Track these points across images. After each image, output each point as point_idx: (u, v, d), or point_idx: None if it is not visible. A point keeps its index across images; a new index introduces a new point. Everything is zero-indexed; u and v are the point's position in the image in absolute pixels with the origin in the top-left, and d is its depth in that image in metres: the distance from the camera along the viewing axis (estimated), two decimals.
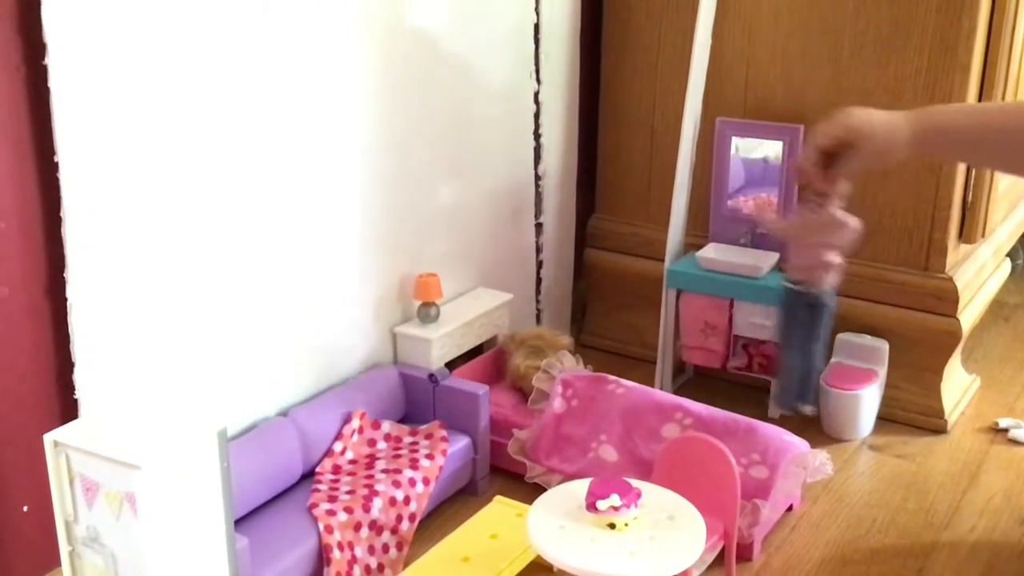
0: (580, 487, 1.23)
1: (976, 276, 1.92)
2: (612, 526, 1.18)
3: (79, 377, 1.23)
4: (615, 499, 1.17)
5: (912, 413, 1.88)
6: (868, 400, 1.83)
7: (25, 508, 1.25)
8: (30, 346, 1.23)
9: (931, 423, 1.87)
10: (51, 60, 1.14)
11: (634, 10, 2.02)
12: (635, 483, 1.22)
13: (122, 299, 1.26)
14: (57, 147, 1.16)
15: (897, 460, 1.78)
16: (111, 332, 1.25)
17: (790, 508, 1.61)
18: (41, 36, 1.13)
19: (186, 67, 1.28)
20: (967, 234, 1.85)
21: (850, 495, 1.68)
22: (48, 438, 1.02)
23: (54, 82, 1.14)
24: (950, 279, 1.81)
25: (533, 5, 1.88)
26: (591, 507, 1.18)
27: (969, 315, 1.87)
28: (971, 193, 1.82)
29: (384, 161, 1.63)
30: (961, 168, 1.79)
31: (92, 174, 1.20)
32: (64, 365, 1.24)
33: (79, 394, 1.23)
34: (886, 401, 1.89)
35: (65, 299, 1.21)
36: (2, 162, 1.16)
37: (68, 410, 1.25)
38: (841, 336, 1.88)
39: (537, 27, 1.90)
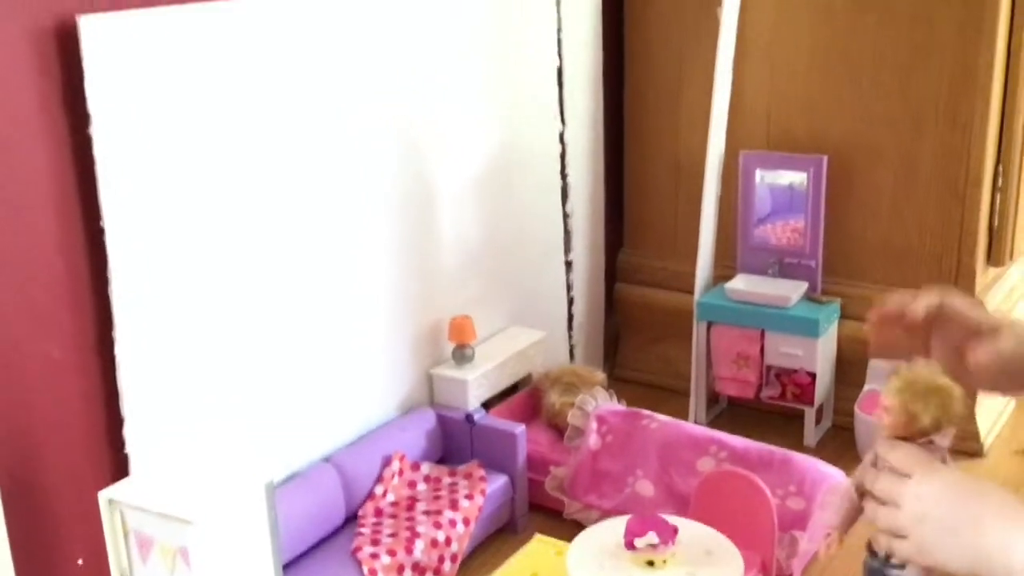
0: (618, 525, 1.24)
1: (1006, 299, 1.92)
2: (651, 563, 1.19)
3: (128, 433, 1.27)
4: (652, 537, 1.18)
5: None
6: None
7: (80, 561, 1.29)
8: (80, 404, 1.27)
9: (967, 446, 1.87)
10: (95, 129, 1.19)
11: (655, 47, 2.05)
12: (672, 519, 1.23)
13: (168, 356, 1.30)
14: (103, 212, 1.21)
15: None
16: (158, 388, 1.30)
17: (828, 537, 1.62)
18: (85, 106, 1.18)
19: (223, 129, 1.33)
20: (995, 257, 1.86)
21: None
22: (103, 496, 1.05)
23: (98, 150, 1.19)
24: (980, 303, 1.81)
25: (556, 49, 1.92)
26: (629, 545, 1.19)
27: None
28: (997, 217, 1.83)
29: (415, 208, 1.67)
30: (986, 192, 1.80)
31: (136, 237, 1.24)
32: (114, 422, 1.28)
33: (129, 449, 1.27)
34: None
35: (113, 357, 1.25)
36: (51, 228, 1.21)
37: (118, 465, 1.29)
38: (873, 363, 1.89)
39: (560, 70, 1.94)
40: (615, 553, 1.22)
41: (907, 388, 1.09)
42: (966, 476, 0.96)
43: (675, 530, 1.20)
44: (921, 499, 0.92)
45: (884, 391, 1.11)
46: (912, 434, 1.09)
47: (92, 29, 1.16)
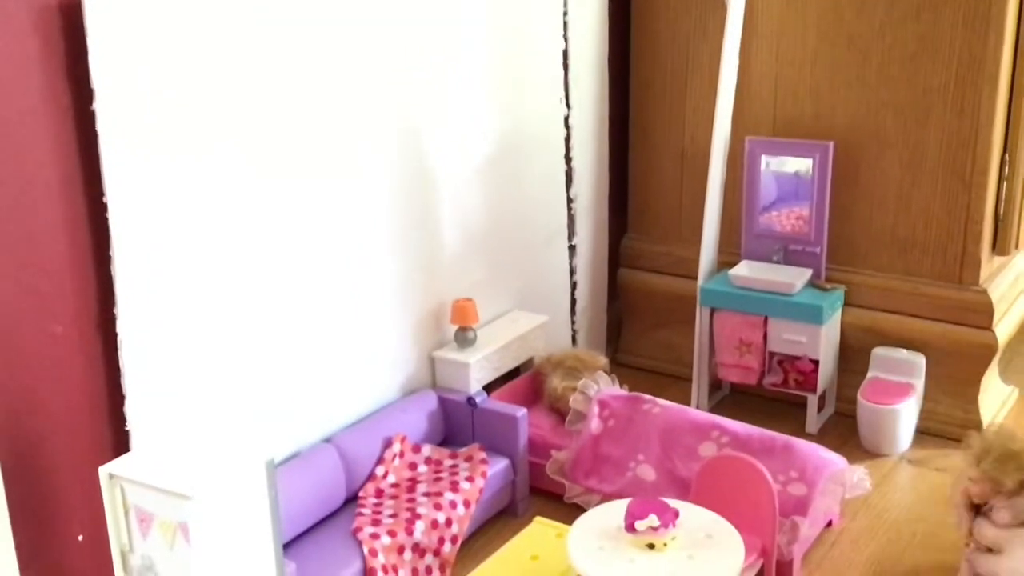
0: (619, 508, 1.24)
1: (1011, 288, 1.92)
2: (651, 546, 1.20)
3: (130, 409, 1.27)
4: (653, 520, 1.18)
5: (950, 426, 1.88)
6: (906, 414, 1.83)
7: (80, 537, 1.29)
8: (83, 381, 1.27)
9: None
10: (98, 105, 1.18)
11: (661, 33, 2.04)
12: (673, 503, 1.23)
13: (170, 333, 1.30)
14: (106, 189, 1.21)
15: (936, 474, 1.78)
16: (160, 365, 1.29)
17: (829, 524, 1.62)
18: (89, 82, 1.17)
19: (228, 107, 1.33)
20: (1000, 246, 1.85)
21: (889, 510, 1.68)
22: (103, 471, 1.05)
23: (102, 126, 1.19)
24: (984, 292, 1.81)
25: (562, 32, 1.91)
26: (630, 528, 1.20)
27: (1005, 327, 1.87)
28: (1003, 206, 1.82)
29: (418, 191, 1.67)
30: (992, 180, 1.79)
31: (140, 214, 1.24)
32: (115, 398, 1.28)
33: (130, 426, 1.27)
34: (924, 415, 1.89)
35: (115, 335, 1.25)
36: (54, 205, 1.20)
37: (120, 441, 1.29)
38: (877, 350, 1.89)
39: (566, 54, 1.93)
40: (616, 536, 1.22)
41: (985, 456, 1.23)
42: None
43: (676, 513, 1.21)
44: None
45: (965, 463, 1.25)
46: (996, 498, 1.24)
47: (96, 5, 1.16)
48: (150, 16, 1.21)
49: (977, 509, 1.31)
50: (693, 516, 1.26)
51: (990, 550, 1.27)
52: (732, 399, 2.05)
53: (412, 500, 1.52)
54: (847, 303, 1.93)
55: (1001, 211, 1.83)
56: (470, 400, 1.68)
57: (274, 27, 1.37)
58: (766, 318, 1.88)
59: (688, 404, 1.89)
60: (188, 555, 1.02)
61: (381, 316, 1.63)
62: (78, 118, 1.20)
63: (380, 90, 1.56)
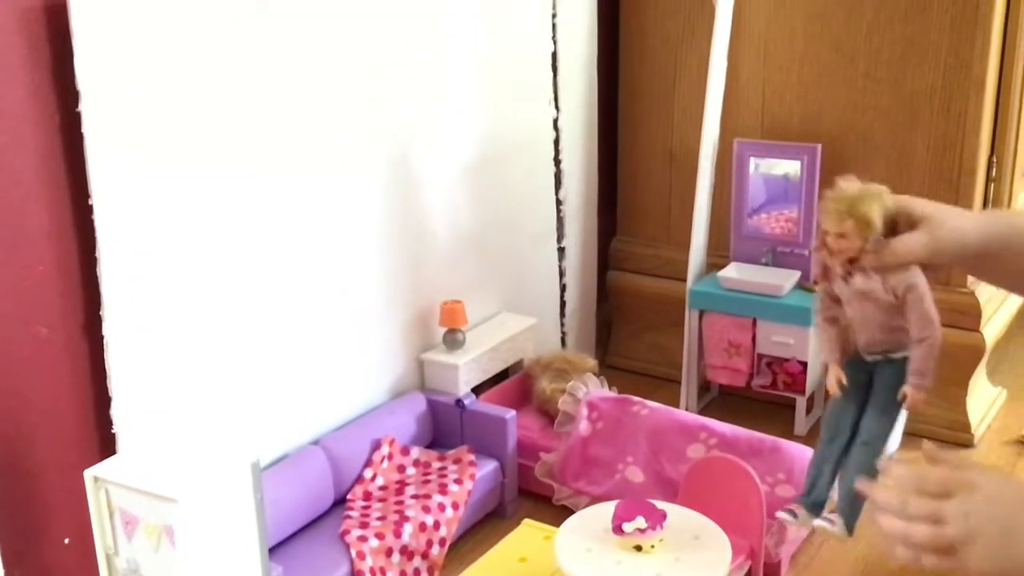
0: (606, 510, 1.25)
1: (998, 290, 1.92)
2: (638, 548, 1.20)
3: (116, 412, 1.26)
4: (641, 521, 1.18)
5: (939, 428, 1.89)
6: None
7: (66, 541, 1.29)
8: (69, 383, 1.26)
9: (958, 437, 1.88)
10: (84, 107, 1.18)
11: (650, 35, 2.05)
12: (660, 504, 1.24)
13: (156, 335, 1.30)
14: (91, 190, 1.20)
15: None
16: (146, 368, 1.29)
17: None
18: (74, 84, 1.17)
19: (214, 109, 1.33)
20: None
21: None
22: (88, 474, 1.05)
23: (87, 128, 1.18)
24: (972, 293, 1.82)
25: (550, 34, 1.92)
26: (617, 530, 1.20)
27: (992, 329, 1.87)
28: (991, 207, 1.83)
29: (407, 192, 1.67)
30: (980, 181, 1.80)
31: (125, 215, 1.24)
32: (101, 401, 1.27)
33: (116, 428, 1.27)
34: (912, 416, 1.89)
35: (101, 337, 1.24)
36: (39, 206, 1.20)
37: (106, 444, 1.28)
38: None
39: (555, 55, 1.93)
40: (603, 538, 1.22)
41: (843, 199, 1.11)
42: (1009, 484, 0.95)
43: (663, 515, 1.21)
44: (969, 517, 0.90)
45: (825, 220, 1.13)
46: (866, 243, 1.11)
47: (82, 7, 1.15)
48: (137, 18, 1.21)
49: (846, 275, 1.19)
50: (680, 518, 1.26)
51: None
52: (721, 401, 2.05)
53: (400, 503, 1.51)
54: None
55: None
56: (459, 402, 1.68)
57: (261, 27, 1.37)
58: (755, 320, 1.89)
59: (677, 406, 1.89)
60: (173, 558, 1.02)
61: (369, 318, 1.63)
62: (63, 120, 1.20)
63: (367, 91, 1.55)
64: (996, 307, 1.91)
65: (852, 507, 1.21)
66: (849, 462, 1.21)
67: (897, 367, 1.19)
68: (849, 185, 1.12)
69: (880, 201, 1.11)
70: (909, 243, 1.09)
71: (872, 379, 1.21)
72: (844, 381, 1.21)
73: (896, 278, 1.14)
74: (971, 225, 1.10)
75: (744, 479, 1.42)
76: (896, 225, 1.12)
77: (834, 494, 1.25)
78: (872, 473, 1.10)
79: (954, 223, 1.10)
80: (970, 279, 1.83)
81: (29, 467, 1.24)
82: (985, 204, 1.82)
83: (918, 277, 1.15)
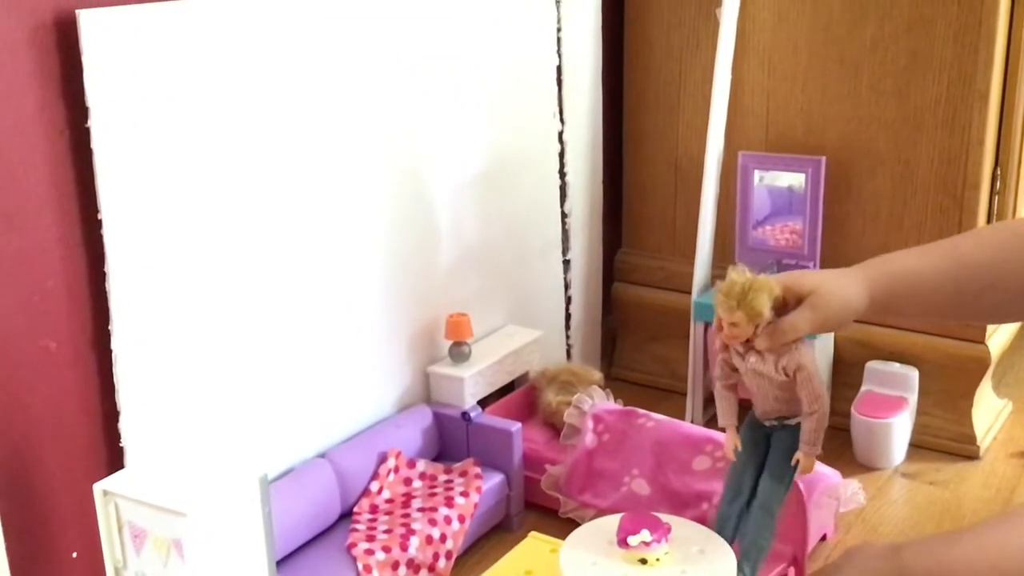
0: (611, 523, 1.24)
1: None
2: (643, 561, 1.20)
3: (124, 426, 1.27)
4: (645, 535, 1.18)
5: (944, 440, 1.89)
6: (899, 428, 1.84)
7: (74, 554, 1.29)
8: (77, 397, 1.27)
9: (963, 449, 1.88)
10: (94, 123, 1.19)
11: (654, 47, 2.06)
12: (665, 518, 1.24)
13: (164, 349, 1.31)
14: (100, 206, 1.21)
15: (930, 487, 1.78)
16: (154, 381, 1.30)
17: (823, 538, 1.62)
18: (84, 100, 1.18)
19: (222, 125, 1.34)
20: None
21: (884, 524, 1.68)
22: (98, 487, 1.06)
23: (97, 144, 1.20)
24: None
25: (555, 48, 1.93)
26: (622, 543, 1.20)
27: (998, 340, 1.87)
28: (995, 220, 1.83)
29: (412, 205, 1.67)
30: (984, 195, 1.80)
31: (134, 230, 1.25)
32: (110, 415, 1.28)
33: (124, 442, 1.27)
34: (917, 428, 1.90)
35: (110, 351, 1.25)
36: (48, 221, 1.21)
37: (114, 458, 1.29)
38: (870, 364, 1.89)
39: (559, 69, 1.94)
40: (608, 551, 1.22)
41: (732, 293, 1.18)
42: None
43: (668, 528, 1.21)
44: None
45: (718, 309, 1.21)
46: (757, 329, 1.20)
47: (91, 23, 1.16)
48: (147, 35, 1.22)
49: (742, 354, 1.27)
50: (686, 531, 1.26)
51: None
52: None
53: (407, 516, 1.52)
54: None
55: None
56: (465, 415, 1.68)
57: (269, 44, 1.38)
58: None
59: (683, 418, 1.89)
60: (182, 571, 1.02)
61: (375, 332, 1.64)
62: (73, 136, 1.21)
63: (373, 105, 1.56)
64: None
65: (752, 566, 1.25)
66: (748, 523, 1.27)
67: (792, 432, 1.26)
68: (739, 277, 1.19)
69: (768, 290, 1.18)
70: (795, 322, 1.16)
71: (770, 440, 1.28)
72: (739, 447, 1.29)
73: (787, 357, 1.22)
74: (855, 290, 1.17)
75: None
76: (786, 303, 1.18)
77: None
78: (768, 535, 1.22)
79: (839, 293, 1.16)
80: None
81: (37, 480, 1.25)
82: (989, 217, 1.83)
83: (806, 357, 1.22)
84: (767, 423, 1.29)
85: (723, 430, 1.31)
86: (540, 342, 1.90)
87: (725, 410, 1.32)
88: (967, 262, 1.16)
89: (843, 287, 1.18)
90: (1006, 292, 1.16)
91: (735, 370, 1.29)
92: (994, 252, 1.17)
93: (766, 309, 1.18)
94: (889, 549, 1.14)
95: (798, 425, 1.25)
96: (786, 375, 1.23)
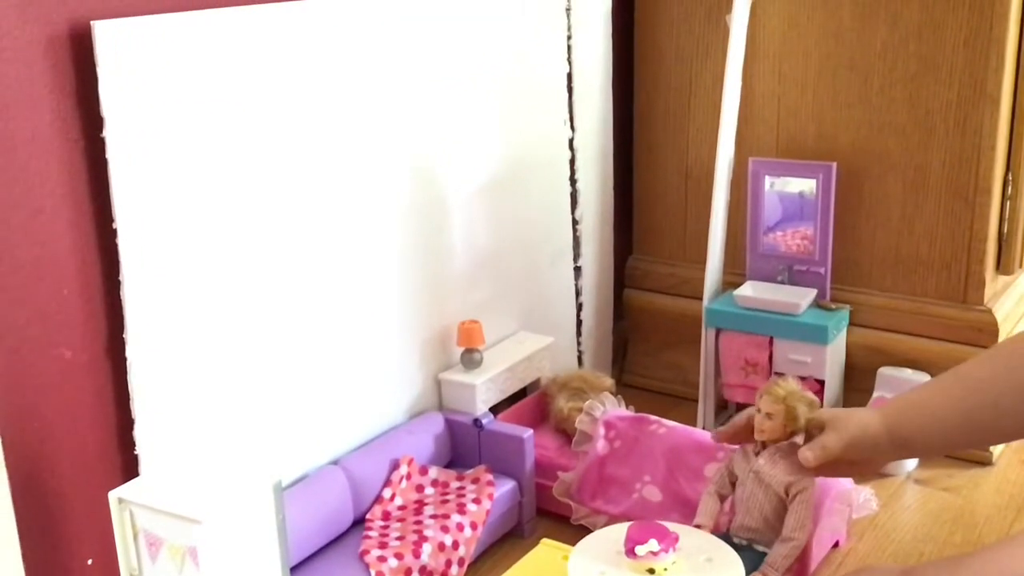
0: (620, 532, 1.25)
1: (1016, 307, 1.92)
2: (651, 571, 1.20)
3: (139, 434, 1.28)
4: (653, 544, 1.18)
5: None
6: None
7: (90, 561, 1.30)
8: (92, 405, 1.28)
9: (976, 455, 1.87)
10: (108, 133, 1.20)
11: (665, 54, 2.06)
12: (673, 527, 1.24)
13: (178, 358, 1.31)
14: (115, 215, 1.22)
15: (943, 493, 1.78)
16: (169, 390, 1.31)
17: (836, 545, 1.62)
18: (99, 110, 1.19)
19: (236, 135, 1.35)
20: (1005, 265, 1.86)
21: (896, 530, 1.68)
22: (113, 495, 1.06)
23: (111, 153, 1.21)
24: (989, 311, 1.82)
25: (565, 55, 1.93)
26: (630, 553, 1.20)
27: None
28: (1006, 225, 1.83)
29: (424, 212, 1.68)
30: (996, 200, 1.80)
31: (149, 239, 1.26)
32: (124, 422, 1.29)
33: (139, 450, 1.28)
34: None
35: (125, 359, 1.26)
36: (63, 230, 1.22)
37: (129, 466, 1.30)
38: (883, 370, 1.89)
39: (570, 77, 1.95)
40: (616, 561, 1.23)
41: (777, 393, 1.35)
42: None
43: (676, 538, 1.21)
44: None
45: (763, 402, 1.36)
46: (786, 435, 1.36)
47: (106, 35, 1.18)
48: (160, 44, 1.23)
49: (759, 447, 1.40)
50: (693, 539, 1.27)
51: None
52: None
53: (419, 523, 1.52)
54: (852, 323, 1.93)
55: (1005, 231, 1.83)
56: (476, 422, 1.69)
57: (283, 53, 1.39)
58: (771, 338, 1.89)
59: (694, 425, 1.89)
60: None
61: (388, 339, 1.65)
62: (88, 146, 1.22)
63: (385, 113, 1.57)
64: (1013, 325, 1.90)
65: None
66: None
67: (755, 559, 1.34)
68: (785, 383, 1.36)
69: (809, 404, 1.35)
70: (824, 442, 1.29)
71: None
72: None
73: (794, 477, 1.34)
74: (869, 416, 1.29)
75: None
76: (810, 433, 1.34)
77: None
78: None
79: (855, 416, 1.30)
80: (987, 295, 1.83)
81: (52, 488, 1.26)
82: (1001, 222, 1.83)
83: (812, 485, 1.35)
84: (736, 539, 1.37)
85: (698, 527, 1.37)
86: (551, 349, 1.90)
87: (705, 511, 1.41)
88: (972, 385, 1.24)
89: (856, 412, 1.31)
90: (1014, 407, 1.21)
91: (732, 482, 1.41)
92: (995, 369, 1.23)
93: (802, 417, 1.34)
94: (899, 571, 1.17)
95: (764, 555, 1.34)
96: (785, 493, 1.34)
